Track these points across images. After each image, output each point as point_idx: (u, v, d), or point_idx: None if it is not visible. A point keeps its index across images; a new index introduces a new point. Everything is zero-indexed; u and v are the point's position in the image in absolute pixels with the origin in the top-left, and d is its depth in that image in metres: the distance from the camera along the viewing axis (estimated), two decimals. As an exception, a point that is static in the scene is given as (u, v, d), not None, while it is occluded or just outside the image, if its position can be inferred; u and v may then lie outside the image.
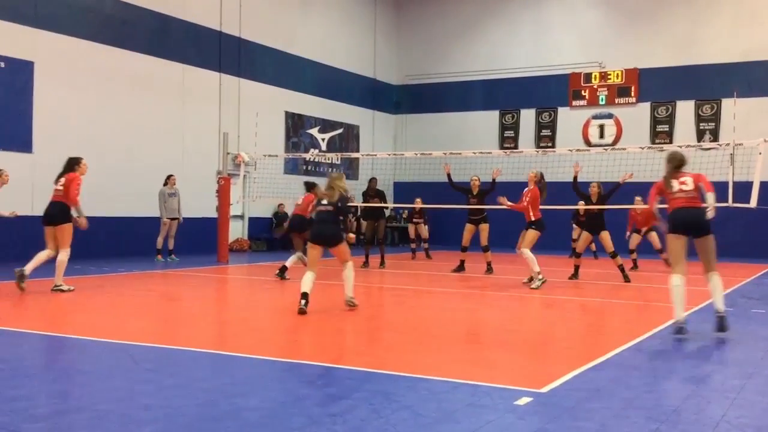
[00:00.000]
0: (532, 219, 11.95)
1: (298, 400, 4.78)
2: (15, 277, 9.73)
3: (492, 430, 4.25)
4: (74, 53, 15.39)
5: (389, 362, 6.08)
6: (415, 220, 19.46)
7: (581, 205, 17.68)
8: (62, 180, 10.22)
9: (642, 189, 15.13)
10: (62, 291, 9.96)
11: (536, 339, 7.55)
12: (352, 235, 9.31)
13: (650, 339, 7.31)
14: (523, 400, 4.78)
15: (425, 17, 25.50)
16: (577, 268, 13.32)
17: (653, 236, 15.54)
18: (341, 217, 9.04)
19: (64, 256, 10.01)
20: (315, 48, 22.16)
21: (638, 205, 15.16)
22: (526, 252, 11.73)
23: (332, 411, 4.49)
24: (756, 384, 5.48)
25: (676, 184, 7.82)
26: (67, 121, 15.24)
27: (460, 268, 14.43)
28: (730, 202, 12.40)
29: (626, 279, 12.91)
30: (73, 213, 10.24)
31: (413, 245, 18.98)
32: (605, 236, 13.03)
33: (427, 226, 19.41)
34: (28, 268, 9.85)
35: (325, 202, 8.96)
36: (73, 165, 10.34)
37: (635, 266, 15.56)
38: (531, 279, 11.93)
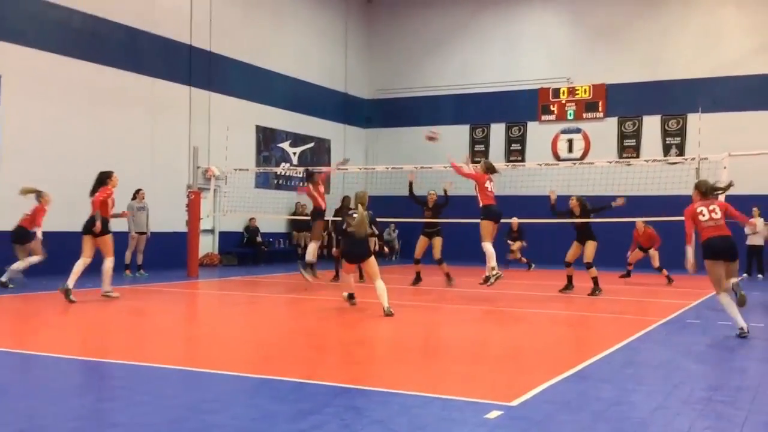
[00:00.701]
0: (480, 205, 12.18)
1: (268, 416, 4.76)
2: (64, 294, 10.44)
3: (463, 444, 4.26)
4: (42, 67, 15.24)
5: (360, 377, 6.07)
6: None
7: (515, 220, 18.52)
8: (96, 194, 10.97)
9: (608, 202, 15.32)
10: (111, 297, 10.81)
11: (506, 352, 7.58)
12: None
13: (619, 351, 7.39)
14: (494, 414, 4.80)
15: (396, 32, 25.66)
16: (570, 278, 13.39)
17: (653, 253, 15.84)
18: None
19: (109, 263, 10.90)
20: (286, 62, 22.17)
21: (640, 226, 15.48)
22: (484, 246, 11.94)
23: (302, 427, 4.48)
24: (723, 395, 5.55)
25: (706, 213, 8.64)
26: (35, 134, 15.07)
27: (417, 279, 14.52)
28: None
29: (594, 292, 12.99)
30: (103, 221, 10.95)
31: None
32: (590, 245, 13.13)
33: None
34: (70, 282, 10.50)
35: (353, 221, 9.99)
36: (104, 179, 11.01)
37: (628, 274, 15.92)
38: (486, 279, 12.02)
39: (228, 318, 10.09)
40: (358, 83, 25.59)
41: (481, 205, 12.18)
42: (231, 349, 7.55)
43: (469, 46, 24.55)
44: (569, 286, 13.35)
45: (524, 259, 19.50)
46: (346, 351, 7.71)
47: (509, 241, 19.64)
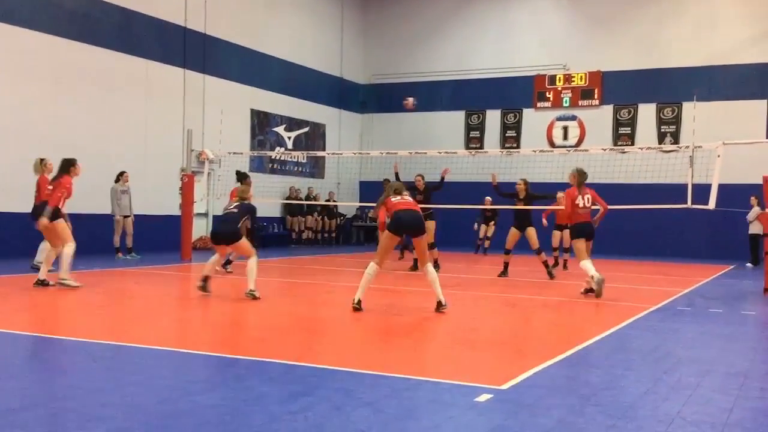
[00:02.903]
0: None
1: (258, 398, 4.76)
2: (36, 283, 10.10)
3: (452, 426, 4.28)
4: (35, 48, 15.12)
5: (351, 360, 6.09)
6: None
7: (488, 199, 18.11)
8: (55, 182, 10.25)
9: (602, 189, 15.43)
10: (68, 286, 9.93)
11: (497, 337, 7.61)
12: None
13: (609, 337, 7.42)
14: (484, 397, 4.82)
15: (392, 17, 25.56)
16: (506, 265, 13.57)
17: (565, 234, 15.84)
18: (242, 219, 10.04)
19: (68, 249, 10.02)
20: (282, 46, 22.07)
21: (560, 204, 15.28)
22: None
23: (293, 408, 4.48)
24: (711, 381, 5.58)
25: (581, 201, 10.53)
26: (27, 116, 14.97)
27: (414, 267, 14.24)
28: (689, 204, 12.62)
29: (551, 276, 13.25)
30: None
31: None
32: (531, 232, 13.41)
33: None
34: (42, 271, 10.13)
35: (233, 206, 10.17)
36: (67, 167, 10.32)
37: (557, 263, 15.67)
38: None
39: (219, 300, 10.08)
40: (353, 68, 25.50)
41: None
42: (222, 331, 7.55)
43: (465, 31, 24.46)
44: (505, 272, 13.51)
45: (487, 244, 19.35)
46: (336, 334, 7.73)
47: (483, 224, 19.32)
